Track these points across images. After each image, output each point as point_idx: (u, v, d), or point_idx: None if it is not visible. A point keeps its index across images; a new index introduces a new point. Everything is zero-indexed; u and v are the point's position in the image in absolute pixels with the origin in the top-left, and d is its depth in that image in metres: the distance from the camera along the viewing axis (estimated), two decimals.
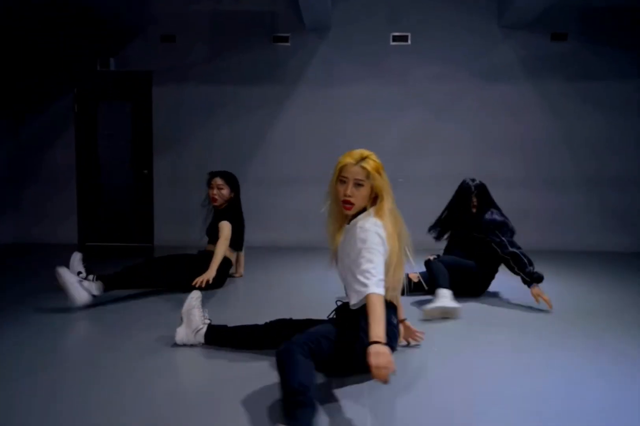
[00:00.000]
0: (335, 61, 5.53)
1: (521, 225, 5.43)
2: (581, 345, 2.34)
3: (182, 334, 2.23)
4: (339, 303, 2.12)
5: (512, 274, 3.09)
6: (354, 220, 1.98)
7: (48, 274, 3.95)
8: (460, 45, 5.45)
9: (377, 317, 1.66)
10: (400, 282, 1.96)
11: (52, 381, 1.90)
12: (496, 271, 3.33)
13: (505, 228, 3.24)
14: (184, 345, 2.24)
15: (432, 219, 4.96)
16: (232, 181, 3.71)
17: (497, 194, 5.51)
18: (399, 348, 2.18)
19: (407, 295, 3.23)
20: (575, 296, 3.39)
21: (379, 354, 1.52)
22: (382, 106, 5.58)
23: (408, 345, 2.28)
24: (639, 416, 1.66)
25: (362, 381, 1.88)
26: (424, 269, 3.26)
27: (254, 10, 5.54)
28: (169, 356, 2.18)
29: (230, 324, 2.27)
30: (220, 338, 2.22)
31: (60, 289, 2.88)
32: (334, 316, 2.08)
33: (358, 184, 1.93)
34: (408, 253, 1.98)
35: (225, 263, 3.45)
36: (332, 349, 1.79)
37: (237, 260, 3.80)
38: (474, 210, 3.39)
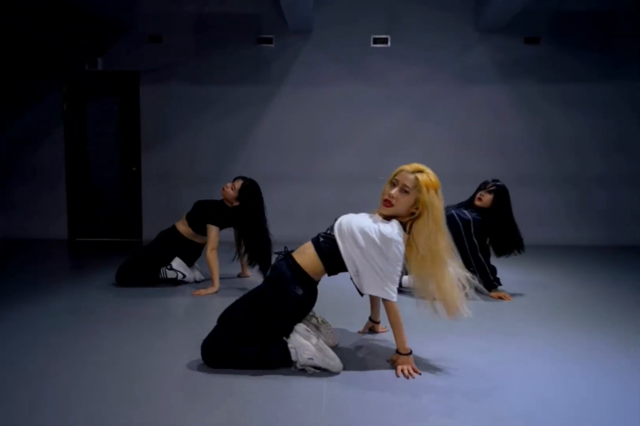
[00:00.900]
0: (318, 62, 5.71)
1: None
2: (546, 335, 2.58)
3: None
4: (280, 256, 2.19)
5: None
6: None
7: (37, 270, 4.18)
8: (438, 48, 5.66)
9: (401, 328, 2.02)
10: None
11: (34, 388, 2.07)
12: None
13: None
14: None
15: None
16: (244, 192, 3.55)
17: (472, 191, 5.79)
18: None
19: None
20: (545, 287, 3.64)
21: (405, 363, 2.00)
22: (364, 106, 5.78)
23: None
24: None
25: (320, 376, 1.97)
26: None
27: (239, 12, 5.70)
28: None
29: None
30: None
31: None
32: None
33: (404, 191, 2.04)
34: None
35: (194, 246, 3.64)
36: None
37: (242, 261, 3.83)
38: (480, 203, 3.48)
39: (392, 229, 1.99)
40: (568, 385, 1.93)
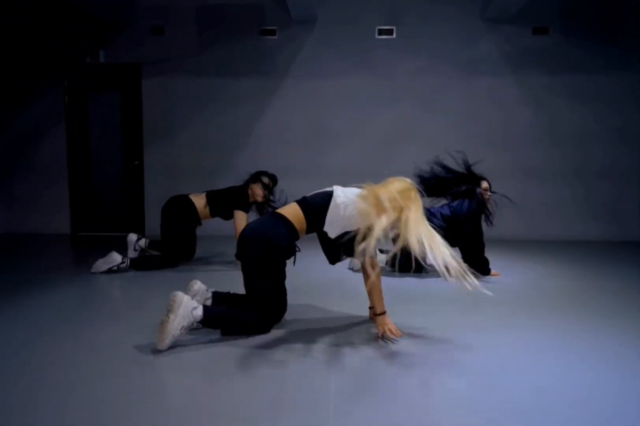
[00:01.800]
0: (322, 54, 5.62)
1: (505, 215, 5.64)
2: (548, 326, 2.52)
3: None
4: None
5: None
6: None
7: (39, 265, 4.14)
8: (444, 39, 5.56)
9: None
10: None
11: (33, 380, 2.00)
12: None
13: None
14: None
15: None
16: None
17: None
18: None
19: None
20: (552, 282, 3.57)
21: (386, 324, 2.25)
22: (369, 99, 5.69)
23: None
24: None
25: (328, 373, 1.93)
26: None
27: (242, 3, 5.61)
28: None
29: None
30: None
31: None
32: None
33: None
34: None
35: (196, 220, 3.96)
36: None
37: None
38: (481, 196, 3.59)
39: None
40: (568, 377, 1.87)
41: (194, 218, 3.95)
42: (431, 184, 3.56)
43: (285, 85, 5.69)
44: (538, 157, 5.65)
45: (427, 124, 5.66)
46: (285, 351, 2.13)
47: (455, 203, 3.70)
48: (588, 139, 5.61)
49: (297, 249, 2.43)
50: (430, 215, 3.61)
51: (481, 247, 3.63)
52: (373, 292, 2.30)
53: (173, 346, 2.13)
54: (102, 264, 3.65)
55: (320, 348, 2.17)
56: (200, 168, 5.80)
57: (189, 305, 2.15)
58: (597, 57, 5.51)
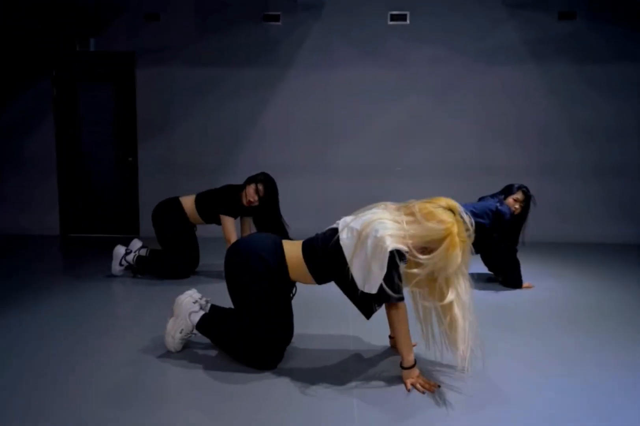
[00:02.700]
0: (330, 42, 5.21)
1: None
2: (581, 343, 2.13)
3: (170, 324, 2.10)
4: None
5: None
6: None
7: (28, 270, 3.79)
8: (462, 25, 5.14)
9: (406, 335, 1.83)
10: None
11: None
12: None
13: None
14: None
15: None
16: (266, 195, 3.42)
17: (497, 183, 5.31)
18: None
19: None
20: (582, 291, 3.18)
21: (410, 377, 1.80)
22: (379, 90, 5.28)
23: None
24: None
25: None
26: None
27: None
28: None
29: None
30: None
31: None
32: None
33: None
34: None
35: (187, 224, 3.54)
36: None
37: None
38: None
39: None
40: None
41: (186, 222, 3.52)
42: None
43: (290, 76, 5.29)
44: (558, 153, 5.23)
45: (441, 117, 5.25)
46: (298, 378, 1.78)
47: (478, 205, 3.28)
48: (613, 133, 5.18)
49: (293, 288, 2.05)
50: None
51: (512, 257, 3.24)
52: (399, 339, 1.83)
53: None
54: (114, 266, 3.40)
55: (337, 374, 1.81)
56: (199, 165, 5.41)
57: (188, 308, 2.07)
58: (627, 46, 5.08)
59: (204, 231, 3.80)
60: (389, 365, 2.00)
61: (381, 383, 1.84)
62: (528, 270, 3.46)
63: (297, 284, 2.05)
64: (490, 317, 2.64)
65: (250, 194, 3.30)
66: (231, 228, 3.33)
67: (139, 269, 3.44)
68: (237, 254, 1.97)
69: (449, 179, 5.30)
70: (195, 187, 5.39)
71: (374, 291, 1.74)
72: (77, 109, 5.47)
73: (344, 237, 1.83)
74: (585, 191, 5.26)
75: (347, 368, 1.97)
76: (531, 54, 5.17)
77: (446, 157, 5.32)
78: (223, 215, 3.36)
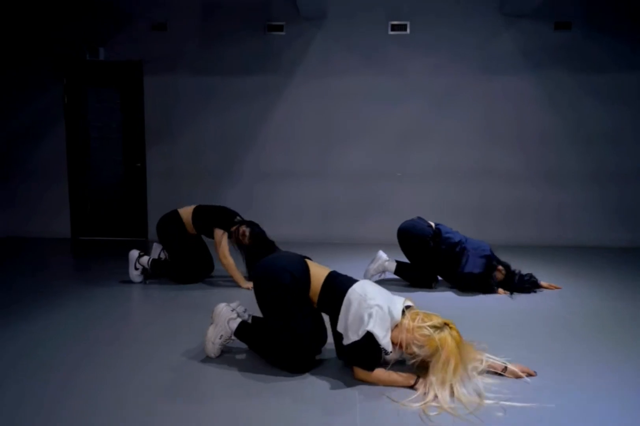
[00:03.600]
0: (332, 51, 5.36)
1: (521, 220, 5.41)
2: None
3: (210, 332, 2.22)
4: None
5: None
6: None
7: (40, 273, 3.97)
8: (460, 35, 5.28)
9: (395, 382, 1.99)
10: None
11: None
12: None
13: None
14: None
15: (430, 213, 4.96)
16: (257, 241, 3.52)
17: (497, 188, 5.49)
18: None
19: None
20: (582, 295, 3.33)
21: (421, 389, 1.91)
22: (380, 98, 5.43)
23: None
24: None
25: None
26: None
27: None
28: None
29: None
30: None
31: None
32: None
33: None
34: None
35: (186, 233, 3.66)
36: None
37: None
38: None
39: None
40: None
41: (185, 232, 3.66)
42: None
43: (293, 84, 5.44)
44: (557, 159, 5.37)
45: (441, 124, 5.40)
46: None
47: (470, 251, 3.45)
48: (610, 140, 5.32)
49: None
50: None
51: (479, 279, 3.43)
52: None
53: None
54: (130, 271, 3.58)
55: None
56: (204, 170, 5.58)
57: (226, 315, 2.22)
58: (622, 55, 5.21)
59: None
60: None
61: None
62: (540, 271, 3.61)
63: None
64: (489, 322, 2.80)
65: (247, 235, 3.42)
66: (224, 242, 3.46)
67: (152, 273, 3.61)
68: (268, 269, 2.11)
69: (448, 184, 5.45)
70: (201, 192, 5.61)
71: (355, 338, 1.92)
72: (86, 115, 5.65)
73: (352, 298, 1.99)
74: (583, 196, 5.39)
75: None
76: (529, 63, 5.30)
77: (446, 162, 5.46)
78: (217, 228, 3.49)
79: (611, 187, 5.36)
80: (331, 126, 5.49)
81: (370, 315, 1.91)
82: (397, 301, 2.04)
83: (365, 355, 1.96)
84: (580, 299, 3.32)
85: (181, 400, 1.84)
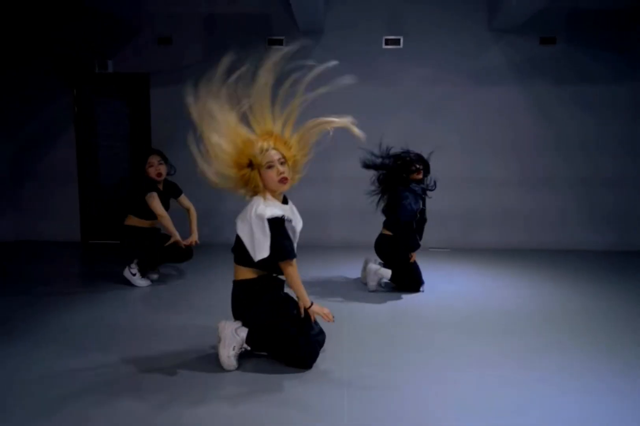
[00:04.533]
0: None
1: (510, 225, 5.71)
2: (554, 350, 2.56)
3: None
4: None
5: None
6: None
7: (51, 277, 4.24)
8: (451, 48, 5.56)
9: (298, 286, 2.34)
10: None
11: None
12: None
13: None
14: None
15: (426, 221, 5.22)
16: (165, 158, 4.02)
17: (487, 195, 5.76)
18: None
19: None
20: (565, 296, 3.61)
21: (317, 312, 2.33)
22: (375, 109, 5.70)
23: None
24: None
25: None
26: None
27: (249, 13, 5.63)
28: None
29: None
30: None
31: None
32: None
33: (283, 163, 2.42)
34: None
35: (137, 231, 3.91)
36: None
37: (189, 220, 4.10)
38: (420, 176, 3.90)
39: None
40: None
41: (143, 232, 3.93)
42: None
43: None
44: (546, 168, 5.66)
45: (434, 134, 5.68)
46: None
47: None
48: (595, 149, 5.61)
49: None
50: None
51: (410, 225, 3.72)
52: (297, 290, 2.32)
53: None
54: (134, 282, 3.89)
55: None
56: (205, 183, 5.84)
57: (232, 326, 2.32)
58: (605, 67, 5.49)
59: None
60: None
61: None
62: (523, 276, 3.89)
63: None
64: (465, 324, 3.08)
65: (153, 166, 3.84)
66: (155, 203, 3.79)
67: (147, 266, 3.91)
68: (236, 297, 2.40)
69: (441, 192, 5.70)
70: (204, 198, 5.88)
71: (265, 254, 2.23)
72: (95, 125, 5.92)
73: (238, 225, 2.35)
74: (573, 201, 5.67)
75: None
76: (516, 75, 5.58)
77: (438, 171, 5.71)
78: (147, 196, 3.79)
79: (600, 193, 5.65)
80: (326, 136, 5.75)
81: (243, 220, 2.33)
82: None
83: (273, 244, 2.25)
84: (557, 297, 3.60)
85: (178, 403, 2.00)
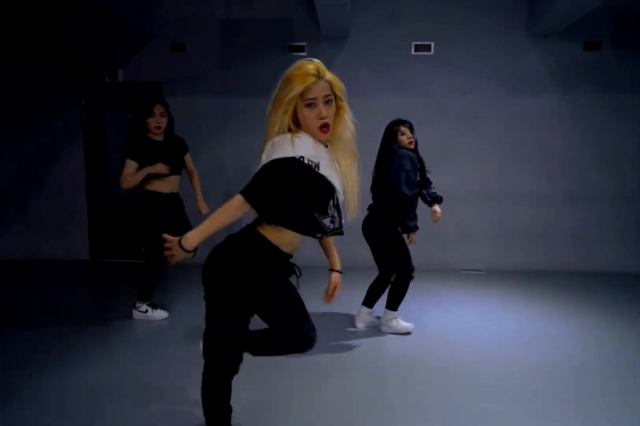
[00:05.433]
0: (354, 71, 5.24)
1: (543, 243, 5.28)
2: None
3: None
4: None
5: None
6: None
7: (61, 299, 3.94)
8: (486, 55, 5.15)
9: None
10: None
11: None
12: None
13: None
14: None
15: (454, 237, 4.84)
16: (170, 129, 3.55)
17: (520, 211, 5.36)
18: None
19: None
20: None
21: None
22: (404, 117, 5.30)
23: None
24: None
25: None
26: None
27: (268, 18, 5.25)
28: None
29: None
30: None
31: None
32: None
33: (329, 102, 1.71)
34: None
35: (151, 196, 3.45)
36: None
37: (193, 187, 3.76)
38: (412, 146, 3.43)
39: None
40: None
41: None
42: None
43: None
44: (584, 181, 5.23)
45: (466, 146, 5.28)
46: None
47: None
48: (635, 162, 5.18)
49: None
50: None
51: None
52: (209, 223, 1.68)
53: None
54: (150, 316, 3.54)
55: None
56: (224, 192, 5.49)
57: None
58: None
59: None
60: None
61: None
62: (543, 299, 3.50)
63: None
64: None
65: (154, 117, 3.34)
66: (128, 170, 3.30)
67: (147, 293, 3.52)
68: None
69: (471, 205, 5.33)
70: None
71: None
72: (105, 136, 5.59)
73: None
74: (606, 218, 5.26)
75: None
76: (556, 83, 5.16)
77: (470, 183, 5.35)
78: (126, 159, 3.30)
79: (634, 210, 5.22)
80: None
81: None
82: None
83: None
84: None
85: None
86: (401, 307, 3.33)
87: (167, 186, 3.46)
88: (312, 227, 1.73)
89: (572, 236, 5.29)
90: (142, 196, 3.44)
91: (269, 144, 1.76)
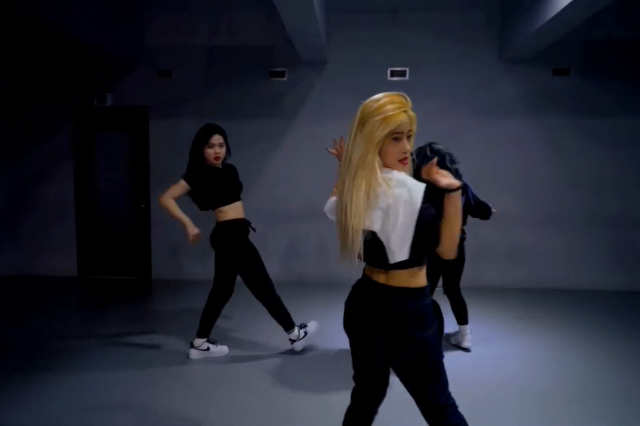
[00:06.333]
0: (332, 96, 5.45)
1: (518, 263, 5.41)
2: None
3: None
4: None
5: None
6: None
7: (50, 318, 4.09)
8: (460, 80, 5.34)
9: None
10: None
11: None
12: None
13: None
14: None
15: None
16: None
17: (496, 231, 5.49)
18: None
19: None
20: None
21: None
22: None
23: None
24: None
25: None
26: None
27: (250, 45, 5.48)
28: None
29: None
30: None
31: None
32: None
33: (409, 136, 1.70)
34: None
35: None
36: None
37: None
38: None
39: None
40: None
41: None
42: None
43: (295, 127, 5.55)
44: (560, 204, 5.37)
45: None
46: None
47: None
48: (610, 184, 5.31)
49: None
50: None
51: None
52: None
53: None
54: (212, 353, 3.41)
55: None
56: (209, 213, 5.67)
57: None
58: (621, 99, 5.22)
59: None
60: None
61: None
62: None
63: None
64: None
65: (213, 148, 3.28)
66: (173, 192, 3.35)
67: (208, 326, 3.40)
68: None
69: None
70: (204, 233, 5.69)
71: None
72: (94, 158, 5.81)
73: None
74: (582, 239, 5.37)
75: None
76: (528, 108, 5.33)
77: None
78: (181, 179, 3.34)
79: (612, 232, 5.34)
80: (331, 168, 5.54)
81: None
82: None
83: None
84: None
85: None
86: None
87: (232, 213, 3.52)
88: None
89: (545, 255, 5.41)
90: (219, 226, 3.51)
91: (393, 183, 1.58)
